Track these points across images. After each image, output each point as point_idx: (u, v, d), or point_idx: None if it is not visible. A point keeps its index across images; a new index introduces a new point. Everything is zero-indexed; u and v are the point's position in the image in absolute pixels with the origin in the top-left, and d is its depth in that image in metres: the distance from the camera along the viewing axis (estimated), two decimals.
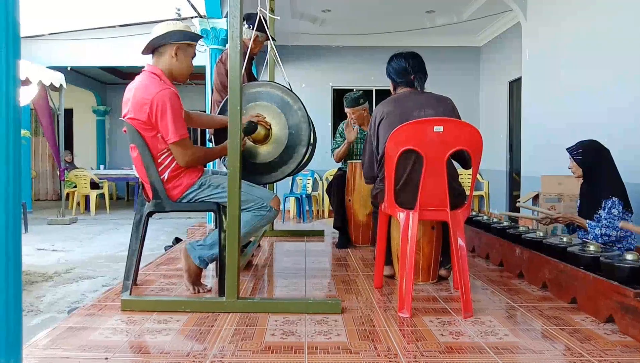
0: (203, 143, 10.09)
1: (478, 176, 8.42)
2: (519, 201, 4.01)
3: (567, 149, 3.39)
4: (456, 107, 2.79)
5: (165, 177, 2.50)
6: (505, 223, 3.66)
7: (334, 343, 1.99)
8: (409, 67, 2.83)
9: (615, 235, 3.08)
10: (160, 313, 2.36)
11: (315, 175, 8.16)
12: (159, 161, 2.49)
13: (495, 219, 3.87)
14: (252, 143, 3.23)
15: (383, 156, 2.64)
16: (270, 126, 3.14)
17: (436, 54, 8.29)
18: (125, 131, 2.55)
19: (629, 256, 2.32)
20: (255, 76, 4.35)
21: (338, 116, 8.66)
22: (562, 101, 5.12)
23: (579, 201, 3.51)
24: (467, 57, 8.70)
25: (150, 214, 2.60)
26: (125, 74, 11.39)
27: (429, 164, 2.44)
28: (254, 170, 3.24)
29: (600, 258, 2.41)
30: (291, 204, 7.69)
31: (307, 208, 7.34)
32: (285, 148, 3.21)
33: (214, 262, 2.73)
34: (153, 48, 2.53)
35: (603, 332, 2.15)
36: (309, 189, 8.01)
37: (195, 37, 2.60)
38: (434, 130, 2.42)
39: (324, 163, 4.54)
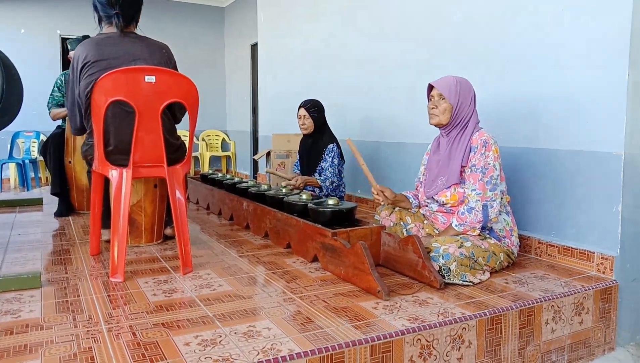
0: None
1: (225, 136, 8.54)
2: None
3: (304, 106, 3.60)
4: (173, 57, 2.64)
5: None
6: (236, 179, 3.75)
7: (23, 321, 1.71)
8: None
9: (337, 177, 3.55)
10: None
11: (42, 136, 7.09)
12: None
13: (228, 176, 3.95)
14: None
15: (89, 107, 2.35)
16: None
17: (180, 10, 7.97)
18: None
19: (331, 201, 2.60)
20: None
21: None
22: (291, 64, 5.47)
23: (299, 157, 3.83)
24: (211, 17, 8.58)
25: None
26: None
27: (142, 117, 2.27)
28: None
29: (308, 205, 2.65)
30: (11, 171, 6.56)
31: (32, 175, 6.36)
32: None
33: None
34: None
35: (308, 270, 2.37)
36: (35, 154, 6.93)
37: None
38: (146, 80, 2.25)
39: (52, 122, 3.89)
